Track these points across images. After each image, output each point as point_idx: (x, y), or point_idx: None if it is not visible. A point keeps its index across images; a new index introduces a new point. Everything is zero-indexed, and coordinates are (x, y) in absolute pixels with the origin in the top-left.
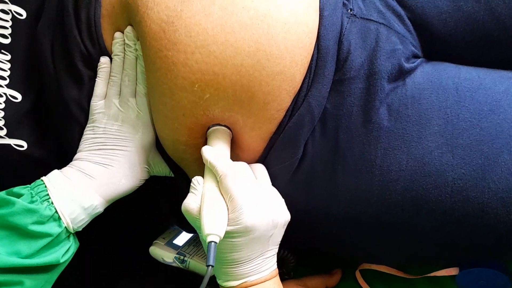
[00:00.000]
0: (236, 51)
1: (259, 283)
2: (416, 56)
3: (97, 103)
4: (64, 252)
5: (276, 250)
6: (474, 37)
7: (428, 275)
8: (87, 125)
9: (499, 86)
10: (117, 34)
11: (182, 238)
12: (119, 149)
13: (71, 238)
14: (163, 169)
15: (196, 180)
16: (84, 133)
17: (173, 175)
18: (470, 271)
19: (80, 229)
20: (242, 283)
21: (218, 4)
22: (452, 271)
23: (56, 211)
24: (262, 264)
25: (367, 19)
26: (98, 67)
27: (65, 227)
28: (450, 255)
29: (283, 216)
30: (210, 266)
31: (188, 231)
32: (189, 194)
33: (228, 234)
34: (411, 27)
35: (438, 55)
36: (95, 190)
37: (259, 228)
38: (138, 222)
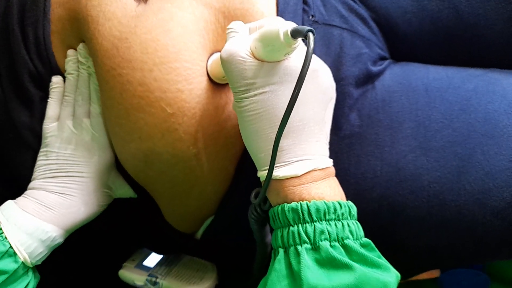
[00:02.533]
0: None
1: (330, 176)
2: (383, 58)
3: (49, 126)
4: None
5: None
6: (438, 36)
7: (410, 279)
8: (40, 150)
9: (468, 84)
10: (70, 52)
11: (153, 259)
12: (74, 176)
13: (30, 272)
14: (126, 192)
15: (235, 24)
16: (37, 158)
17: (137, 196)
18: (452, 272)
19: (39, 263)
20: (309, 170)
21: (177, 21)
22: (433, 273)
23: (11, 246)
24: (323, 144)
25: (329, 24)
26: (50, 87)
27: (22, 262)
28: (429, 262)
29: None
30: (311, 33)
31: (158, 252)
32: (229, 40)
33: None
34: (376, 29)
35: (404, 56)
36: (53, 221)
37: (323, 66)
38: (105, 245)
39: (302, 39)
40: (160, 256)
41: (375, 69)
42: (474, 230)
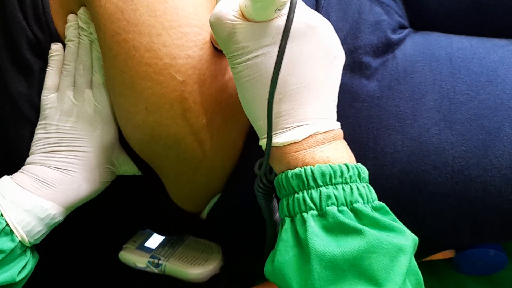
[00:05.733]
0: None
1: (336, 138)
2: (402, 27)
3: (48, 97)
4: (21, 269)
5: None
6: (463, 5)
7: (424, 259)
8: (38, 123)
9: (494, 55)
10: (71, 17)
11: (155, 240)
12: (75, 150)
13: (28, 252)
14: (130, 168)
15: None
16: (36, 132)
17: (141, 174)
18: (468, 252)
19: (38, 242)
20: (311, 134)
21: None
22: (448, 254)
23: (8, 224)
24: (329, 106)
25: None
26: (49, 56)
27: (20, 241)
28: (450, 241)
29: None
30: None
31: (161, 233)
32: (219, 2)
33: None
34: None
35: (425, 25)
36: (52, 198)
37: (323, 22)
38: (105, 225)
39: None
40: (162, 237)
41: (395, 37)
42: (500, 207)
